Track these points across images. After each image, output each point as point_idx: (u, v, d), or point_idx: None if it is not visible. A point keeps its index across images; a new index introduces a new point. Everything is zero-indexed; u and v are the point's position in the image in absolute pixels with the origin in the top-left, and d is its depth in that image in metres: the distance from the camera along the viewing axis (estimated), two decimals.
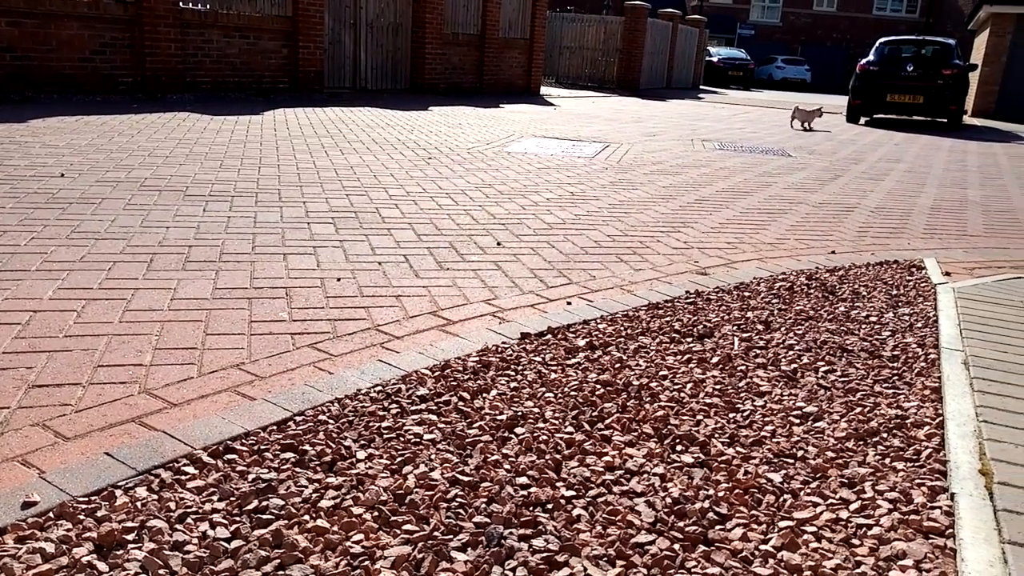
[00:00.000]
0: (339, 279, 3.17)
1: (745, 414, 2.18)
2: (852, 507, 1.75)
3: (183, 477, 1.70)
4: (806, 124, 13.30)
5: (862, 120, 15.91)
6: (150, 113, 8.09)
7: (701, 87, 28.50)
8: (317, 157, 6.15)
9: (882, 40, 15.44)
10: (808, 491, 1.80)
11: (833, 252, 4.33)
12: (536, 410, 2.11)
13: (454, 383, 2.25)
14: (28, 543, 1.44)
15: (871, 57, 15.05)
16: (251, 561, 1.43)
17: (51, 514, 1.54)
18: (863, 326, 3.01)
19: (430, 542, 1.52)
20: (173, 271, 3.12)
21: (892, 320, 3.11)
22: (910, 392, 2.41)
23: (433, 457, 1.84)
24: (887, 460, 1.97)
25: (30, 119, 7.02)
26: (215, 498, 1.63)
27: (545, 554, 1.51)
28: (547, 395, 2.21)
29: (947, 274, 3.95)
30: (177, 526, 1.53)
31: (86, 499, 1.60)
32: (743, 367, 2.52)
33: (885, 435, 2.11)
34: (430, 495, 1.68)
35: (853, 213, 5.58)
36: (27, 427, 1.88)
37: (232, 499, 1.62)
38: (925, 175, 7.99)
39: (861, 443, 2.06)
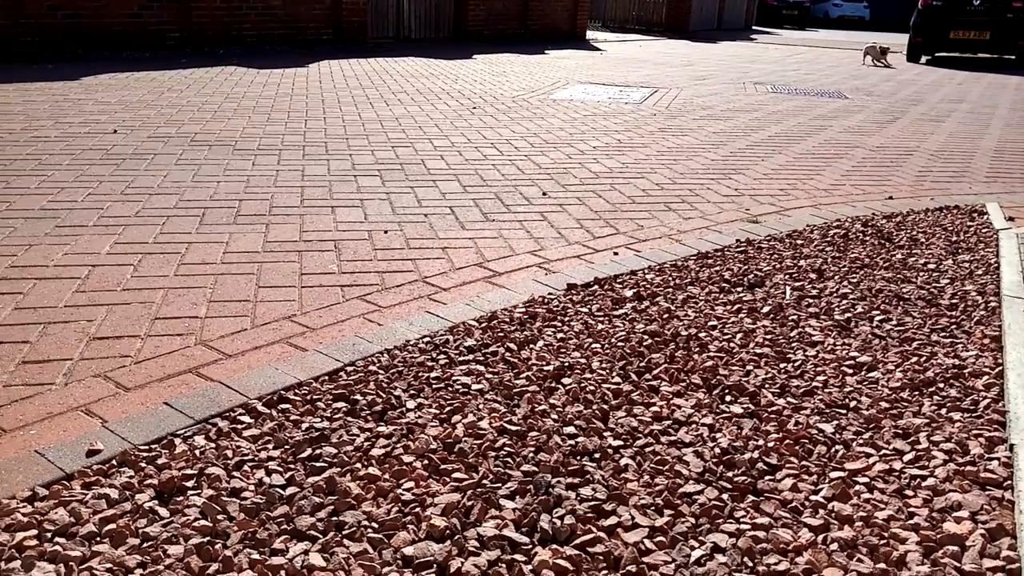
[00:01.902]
0: (386, 231, 3.19)
1: (796, 364, 2.15)
2: (906, 458, 1.72)
3: (239, 426, 1.75)
4: (878, 62, 13.42)
5: (923, 59, 15.24)
6: (198, 68, 8.16)
7: (753, 27, 27.57)
8: (362, 109, 6.15)
9: None
10: (861, 442, 1.78)
11: (890, 197, 4.20)
12: (583, 361, 2.11)
13: (501, 334, 2.25)
14: (94, 489, 1.51)
15: None
16: (306, 507, 1.47)
17: (114, 462, 1.60)
18: (920, 274, 2.93)
19: (479, 490, 1.54)
20: (225, 225, 3.17)
21: (951, 267, 3.01)
22: (968, 341, 2.34)
23: (481, 407, 1.85)
24: (943, 411, 1.93)
25: (83, 76, 7.13)
26: (270, 446, 1.67)
27: (593, 502, 1.52)
28: (594, 346, 2.20)
29: (1011, 219, 3.80)
30: (234, 473, 1.57)
31: (147, 447, 1.66)
32: (795, 317, 2.47)
33: (942, 385, 2.06)
34: (479, 444, 1.70)
35: (912, 157, 5.38)
36: (89, 378, 1.95)
37: (287, 447, 1.67)
38: (989, 116, 7.65)
39: (916, 393, 2.02)
